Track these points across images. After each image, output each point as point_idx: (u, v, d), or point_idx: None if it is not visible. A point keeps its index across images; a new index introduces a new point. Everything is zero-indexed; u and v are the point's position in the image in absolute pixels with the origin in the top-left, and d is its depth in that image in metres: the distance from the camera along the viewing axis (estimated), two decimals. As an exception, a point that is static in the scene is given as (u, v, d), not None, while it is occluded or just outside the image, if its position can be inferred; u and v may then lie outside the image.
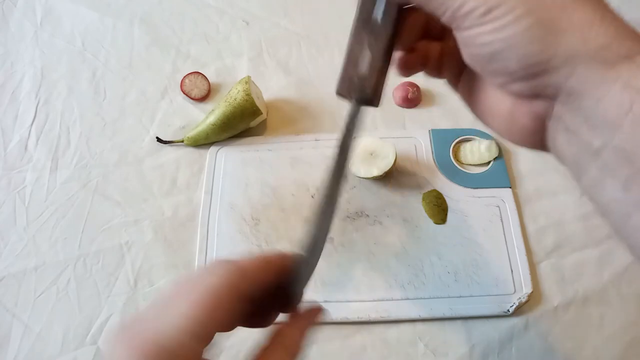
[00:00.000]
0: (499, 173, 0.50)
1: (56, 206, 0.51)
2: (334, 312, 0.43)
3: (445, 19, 0.21)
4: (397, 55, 0.28)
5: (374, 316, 0.43)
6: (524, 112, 0.22)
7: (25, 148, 0.55)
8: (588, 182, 0.20)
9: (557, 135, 0.21)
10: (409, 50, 0.28)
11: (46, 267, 0.48)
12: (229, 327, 0.22)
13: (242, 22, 0.65)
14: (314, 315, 0.25)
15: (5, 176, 0.53)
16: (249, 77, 0.52)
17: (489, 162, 0.50)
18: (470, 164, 0.51)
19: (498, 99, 0.24)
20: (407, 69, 0.29)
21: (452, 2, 0.21)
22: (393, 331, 0.43)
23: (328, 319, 0.43)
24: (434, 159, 0.51)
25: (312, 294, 0.44)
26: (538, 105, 0.21)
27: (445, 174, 0.50)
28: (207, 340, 0.20)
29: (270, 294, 0.24)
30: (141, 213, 0.50)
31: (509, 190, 0.49)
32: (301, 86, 0.58)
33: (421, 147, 0.52)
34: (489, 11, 0.20)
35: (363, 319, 0.43)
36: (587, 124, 0.19)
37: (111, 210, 0.50)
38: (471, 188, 0.49)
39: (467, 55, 0.22)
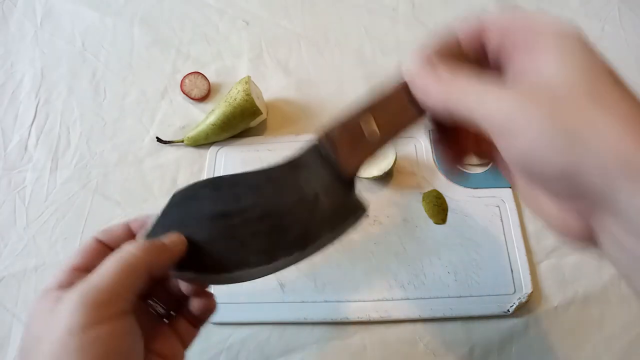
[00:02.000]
0: (499, 173, 0.50)
1: (56, 206, 0.51)
2: (334, 312, 0.43)
3: (479, 129, 0.22)
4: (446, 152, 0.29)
5: (374, 316, 0.43)
6: (569, 213, 0.21)
7: (25, 148, 0.55)
8: (638, 287, 0.20)
9: (602, 237, 0.20)
10: (457, 144, 0.29)
11: (46, 267, 0.48)
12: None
13: (242, 22, 0.65)
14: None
15: (5, 176, 0.53)
16: (249, 77, 0.52)
17: (489, 162, 0.50)
18: (470, 164, 0.51)
19: (544, 198, 0.23)
20: (455, 162, 0.30)
21: (479, 115, 0.21)
22: (393, 331, 0.43)
23: (328, 319, 0.43)
24: (434, 159, 0.51)
25: (312, 293, 0.44)
26: (581, 208, 0.21)
27: (445, 174, 0.50)
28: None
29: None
30: (141, 213, 0.50)
31: (509, 190, 0.49)
32: (301, 86, 0.58)
33: (421, 147, 0.52)
34: (511, 124, 0.20)
35: (363, 319, 0.43)
36: (631, 232, 0.18)
37: (111, 210, 0.50)
38: (471, 188, 0.49)
39: (506, 161, 0.22)
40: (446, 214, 0.48)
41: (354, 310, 0.43)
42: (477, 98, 0.21)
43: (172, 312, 0.30)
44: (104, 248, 0.28)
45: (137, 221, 0.29)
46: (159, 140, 0.54)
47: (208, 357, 0.42)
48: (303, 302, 0.44)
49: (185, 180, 0.52)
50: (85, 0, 0.67)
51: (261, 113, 0.52)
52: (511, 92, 0.20)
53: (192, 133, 0.53)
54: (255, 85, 0.54)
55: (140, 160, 0.54)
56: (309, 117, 0.56)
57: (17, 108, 0.59)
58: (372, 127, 0.26)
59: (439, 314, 0.43)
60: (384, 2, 0.65)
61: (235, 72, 0.60)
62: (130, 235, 0.29)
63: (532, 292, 0.43)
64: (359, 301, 0.44)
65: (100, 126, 0.56)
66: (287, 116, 0.56)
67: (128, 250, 0.24)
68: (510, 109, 0.20)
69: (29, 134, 0.56)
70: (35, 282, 0.47)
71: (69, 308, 0.22)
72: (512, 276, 0.44)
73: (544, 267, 0.45)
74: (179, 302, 0.30)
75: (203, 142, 0.53)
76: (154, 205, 0.51)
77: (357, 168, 0.27)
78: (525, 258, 0.45)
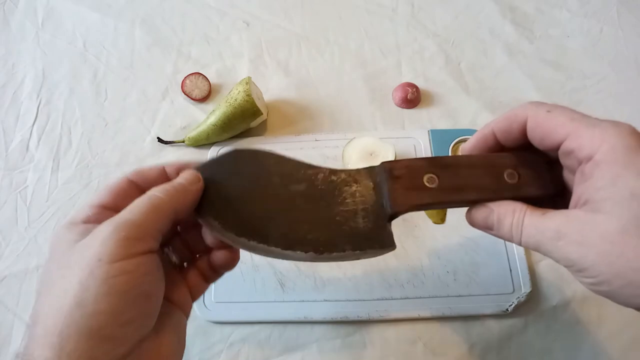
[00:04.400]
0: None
1: (57, 206, 0.51)
2: (334, 311, 0.43)
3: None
4: None
5: (373, 315, 0.43)
6: None
7: (27, 148, 0.56)
8: None
9: None
10: None
11: (48, 266, 0.48)
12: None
13: (242, 23, 0.65)
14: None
15: (6, 176, 0.54)
16: (249, 77, 0.52)
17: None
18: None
19: None
20: None
21: (558, 256, 0.23)
22: (392, 330, 0.43)
23: (328, 318, 0.43)
24: (433, 159, 0.51)
25: (312, 292, 0.44)
26: None
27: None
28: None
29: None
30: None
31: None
32: (301, 87, 0.59)
33: (420, 148, 0.52)
34: (580, 270, 0.22)
35: (363, 318, 0.43)
36: None
37: (112, 210, 0.51)
38: (470, 188, 0.49)
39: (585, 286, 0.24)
40: (445, 214, 0.48)
41: (354, 309, 0.43)
42: (559, 244, 0.23)
43: (184, 264, 0.31)
44: (134, 190, 0.28)
45: (172, 166, 0.29)
46: (160, 140, 0.54)
47: (208, 355, 0.43)
48: (303, 301, 0.44)
49: (185, 180, 0.52)
50: (86, 1, 0.67)
51: (261, 113, 0.52)
52: (581, 240, 0.22)
53: (193, 133, 0.53)
54: (256, 85, 0.54)
55: (141, 160, 0.54)
56: (309, 117, 0.56)
57: (19, 108, 0.59)
58: (433, 183, 0.27)
59: (438, 313, 0.43)
60: (384, 2, 0.65)
61: (236, 72, 0.60)
62: (164, 179, 0.29)
63: (530, 291, 0.43)
64: (359, 300, 0.44)
65: (102, 126, 0.57)
66: (287, 116, 0.56)
67: (155, 194, 0.25)
68: (588, 256, 0.21)
69: (31, 134, 0.57)
70: (37, 281, 0.47)
71: (101, 238, 0.23)
72: (511, 275, 0.44)
73: (542, 267, 0.45)
74: (193, 255, 0.31)
75: (204, 142, 0.53)
76: (155, 205, 0.51)
77: (403, 209, 0.28)
78: (524, 257, 0.45)
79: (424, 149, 0.52)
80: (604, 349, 0.42)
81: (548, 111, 0.25)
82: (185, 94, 0.57)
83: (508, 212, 0.25)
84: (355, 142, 0.49)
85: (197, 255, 0.32)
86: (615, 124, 0.22)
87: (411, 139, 0.52)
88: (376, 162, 0.47)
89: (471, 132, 0.52)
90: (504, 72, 0.59)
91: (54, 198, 0.52)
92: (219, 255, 0.30)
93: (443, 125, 0.55)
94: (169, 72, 0.61)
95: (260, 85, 0.55)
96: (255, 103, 0.51)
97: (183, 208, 0.26)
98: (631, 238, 0.20)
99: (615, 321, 0.43)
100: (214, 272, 0.31)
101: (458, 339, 0.43)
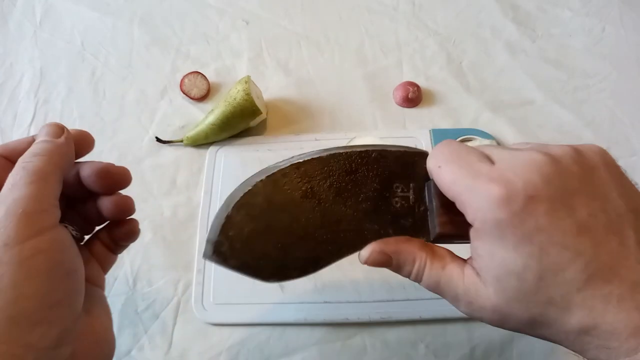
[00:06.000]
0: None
1: (55, 206, 0.51)
2: (334, 312, 0.43)
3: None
4: None
5: (374, 317, 0.43)
6: None
7: (24, 148, 0.55)
8: None
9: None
10: None
11: (45, 267, 0.47)
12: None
13: (242, 21, 0.64)
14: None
15: (4, 176, 0.53)
16: (248, 76, 0.52)
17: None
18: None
19: None
20: None
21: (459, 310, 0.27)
22: (394, 332, 0.43)
23: (329, 320, 0.43)
24: (434, 159, 0.50)
25: (312, 294, 0.44)
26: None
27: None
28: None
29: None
30: (140, 213, 0.49)
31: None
32: (301, 86, 0.58)
33: (422, 147, 0.51)
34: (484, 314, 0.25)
35: (363, 320, 0.43)
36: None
37: (110, 211, 0.50)
38: (472, 188, 0.49)
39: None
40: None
41: (354, 311, 0.43)
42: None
43: (84, 236, 0.30)
44: (4, 163, 0.25)
45: (42, 133, 0.26)
46: (158, 140, 0.54)
47: (207, 357, 0.42)
48: (303, 302, 0.44)
49: (184, 180, 0.52)
50: (85, 0, 0.67)
51: (261, 113, 0.52)
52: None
53: (191, 133, 0.53)
54: (255, 84, 0.54)
55: (139, 160, 0.54)
56: (309, 116, 0.56)
57: (16, 108, 0.58)
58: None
59: (439, 315, 0.42)
60: (384, 1, 0.65)
61: (235, 71, 0.60)
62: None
63: (533, 292, 0.43)
64: (360, 302, 0.43)
65: (100, 126, 0.56)
66: (287, 116, 0.56)
67: (29, 161, 0.23)
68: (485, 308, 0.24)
69: (28, 134, 0.56)
70: None
71: None
72: (514, 277, 0.44)
73: (545, 268, 0.45)
74: (91, 227, 0.30)
75: (202, 141, 0.53)
76: (153, 205, 0.50)
77: (441, 233, 0.27)
78: (526, 258, 0.45)
79: (425, 149, 0.51)
80: (607, 350, 0.41)
81: (438, 167, 0.25)
82: (184, 93, 0.57)
83: (408, 261, 0.27)
84: (356, 141, 0.49)
85: (96, 228, 0.30)
86: (488, 190, 0.21)
87: (412, 138, 0.52)
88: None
89: (473, 131, 0.52)
90: (506, 71, 0.58)
91: (52, 198, 0.51)
92: (118, 229, 0.30)
93: (444, 124, 0.54)
94: (167, 71, 0.60)
95: (260, 85, 0.55)
96: (254, 102, 0.50)
97: (66, 164, 0.25)
98: (513, 309, 0.22)
99: (619, 323, 0.42)
100: (117, 244, 0.30)
101: (460, 341, 0.42)
